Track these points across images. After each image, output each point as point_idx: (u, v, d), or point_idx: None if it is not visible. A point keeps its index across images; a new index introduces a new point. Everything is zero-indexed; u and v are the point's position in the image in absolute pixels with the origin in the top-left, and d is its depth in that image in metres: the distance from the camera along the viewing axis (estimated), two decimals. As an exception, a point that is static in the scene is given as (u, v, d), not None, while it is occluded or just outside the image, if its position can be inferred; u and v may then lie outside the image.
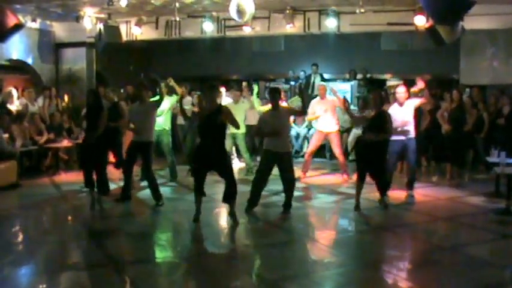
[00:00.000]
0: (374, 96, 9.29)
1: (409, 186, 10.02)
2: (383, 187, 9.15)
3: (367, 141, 8.94)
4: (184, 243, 7.70)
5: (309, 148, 11.84)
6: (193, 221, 8.25)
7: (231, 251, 7.36)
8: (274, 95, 8.98)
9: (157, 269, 6.59)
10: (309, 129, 14.90)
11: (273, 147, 8.82)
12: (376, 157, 8.90)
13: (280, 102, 10.19)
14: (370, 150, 8.86)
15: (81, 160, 9.82)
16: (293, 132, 15.20)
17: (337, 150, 11.62)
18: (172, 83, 11.78)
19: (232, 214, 8.28)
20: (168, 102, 11.38)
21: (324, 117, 11.44)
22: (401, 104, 9.72)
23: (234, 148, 13.12)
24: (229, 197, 8.26)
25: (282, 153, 8.81)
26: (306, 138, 15.25)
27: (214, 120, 8.01)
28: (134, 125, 9.48)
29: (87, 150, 9.28)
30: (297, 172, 11.34)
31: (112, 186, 10.39)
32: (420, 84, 10.25)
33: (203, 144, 8.23)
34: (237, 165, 13.02)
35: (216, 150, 8.14)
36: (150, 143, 9.57)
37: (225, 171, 8.26)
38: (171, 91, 11.84)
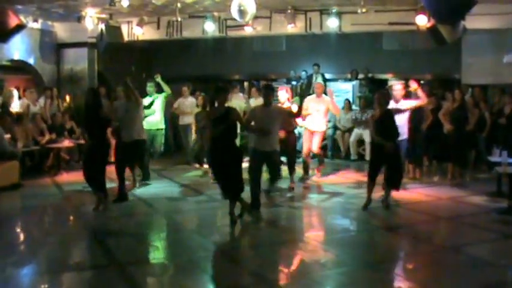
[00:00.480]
0: (378, 97, 9.27)
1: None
2: (394, 182, 9.14)
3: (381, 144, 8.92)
4: (185, 243, 7.69)
5: (304, 149, 11.66)
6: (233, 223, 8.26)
7: (231, 251, 7.36)
8: (267, 92, 8.99)
9: (158, 269, 6.58)
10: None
11: (261, 146, 8.73)
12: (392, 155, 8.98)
13: (286, 101, 10.26)
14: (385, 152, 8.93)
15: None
16: (294, 132, 15.18)
17: (315, 148, 11.39)
18: (159, 79, 11.62)
19: (231, 213, 8.26)
20: (158, 101, 11.30)
21: (315, 116, 11.29)
22: (397, 101, 9.83)
23: None
24: (234, 196, 8.22)
25: (269, 152, 8.71)
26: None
27: (225, 122, 8.00)
28: (121, 124, 9.50)
29: (92, 151, 9.16)
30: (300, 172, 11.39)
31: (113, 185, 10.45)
32: (413, 85, 10.34)
33: (216, 146, 8.16)
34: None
35: (230, 151, 8.13)
36: (139, 141, 9.55)
37: (234, 173, 8.17)
38: (159, 88, 11.71)
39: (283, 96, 10.50)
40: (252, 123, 8.78)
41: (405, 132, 9.92)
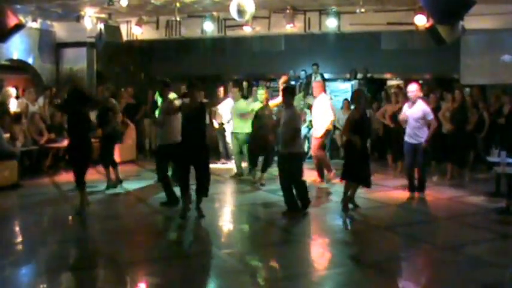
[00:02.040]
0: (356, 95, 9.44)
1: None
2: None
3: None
4: (184, 243, 7.71)
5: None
6: (181, 218, 8.37)
7: (231, 251, 7.34)
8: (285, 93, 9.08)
9: (157, 268, 6.57)
10: (310, 129, 14.89)
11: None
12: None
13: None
14: None
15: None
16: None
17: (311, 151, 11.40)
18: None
19: (198, 208, 8.42)
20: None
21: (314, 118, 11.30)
22: (413, 103, 9.76)
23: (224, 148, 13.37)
24: (203, 192, 8.36)
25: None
26: (307, 138, 15.25)
27: (197, 117, 8.20)
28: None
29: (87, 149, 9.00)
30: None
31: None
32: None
33: (187, 141, 8.29)
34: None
35: (201, 146, 8.25)
36: (160, 146, 9.51)
37: (204, 167, 8.35)
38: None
39: (262, 96, 10.97)
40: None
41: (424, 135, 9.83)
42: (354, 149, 8.72)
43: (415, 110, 9.71)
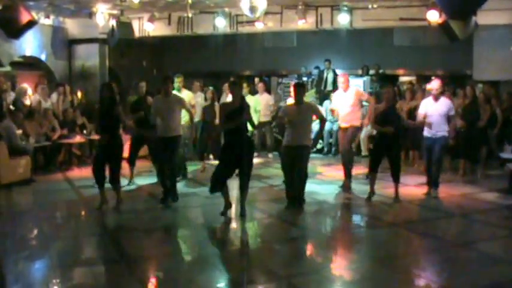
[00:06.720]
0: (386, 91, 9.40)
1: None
2: (393, 175, 9.32)
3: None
4: (196, 239, 7.71)
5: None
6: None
7: (243, 247, 7.36)
8: (298, 90, 8.98)
9: (169, 264, 6.60)
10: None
11: (293, 141, 8.81)
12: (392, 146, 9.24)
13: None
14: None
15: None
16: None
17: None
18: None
19: (242, 206, 8.32)
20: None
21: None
22: (436, 100, 9.51)
23: None
24: (244, 188, 8.29)
25: (302, 146, 8.84)
26: (330, 133, 15.21)
27: (239, 116, 8.06)
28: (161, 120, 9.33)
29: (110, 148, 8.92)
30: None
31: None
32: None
33: (230, 140, 8.23)
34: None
35: (245, 145, 8.16)
36: (178, 137, 9.41)
37: (248, 168, 8.24)
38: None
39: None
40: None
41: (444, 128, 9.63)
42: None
43: (440, 106, 9.50)
